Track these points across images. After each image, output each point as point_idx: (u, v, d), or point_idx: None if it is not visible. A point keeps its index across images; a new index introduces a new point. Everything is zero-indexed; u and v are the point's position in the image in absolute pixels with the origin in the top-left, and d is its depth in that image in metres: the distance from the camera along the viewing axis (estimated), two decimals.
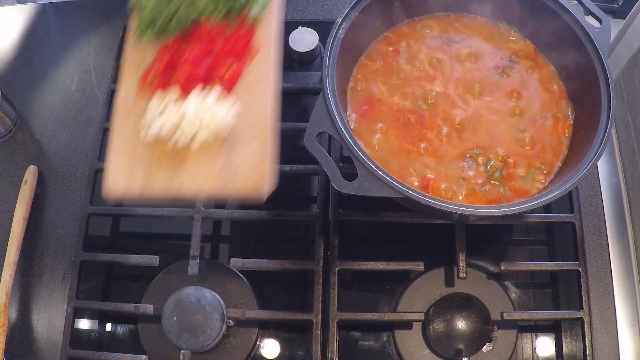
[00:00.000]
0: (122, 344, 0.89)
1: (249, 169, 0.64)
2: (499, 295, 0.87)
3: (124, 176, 0.66)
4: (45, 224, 0.96)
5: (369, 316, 0.85)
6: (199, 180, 0.65)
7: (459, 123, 0.84)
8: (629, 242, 0.94)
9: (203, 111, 0.65)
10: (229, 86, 0.67)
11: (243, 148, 0.65)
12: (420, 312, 0.84)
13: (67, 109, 1.05)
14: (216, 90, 0.66)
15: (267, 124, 0.66)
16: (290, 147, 1.00)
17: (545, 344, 0.87)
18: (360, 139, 0.82)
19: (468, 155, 0.82)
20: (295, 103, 1.04)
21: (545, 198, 0.72)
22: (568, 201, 0.90)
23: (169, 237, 0.97)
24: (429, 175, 0.81)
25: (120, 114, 0.69)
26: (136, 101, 0.68)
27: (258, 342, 0.87)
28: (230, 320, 0.84)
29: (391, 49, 0.89)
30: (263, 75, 0.68)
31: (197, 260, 0.86)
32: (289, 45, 1.02)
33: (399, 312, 0.86)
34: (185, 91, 0.66)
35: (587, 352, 0.82)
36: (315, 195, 0.91)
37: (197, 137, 0.65)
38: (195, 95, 0.65)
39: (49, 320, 0.90)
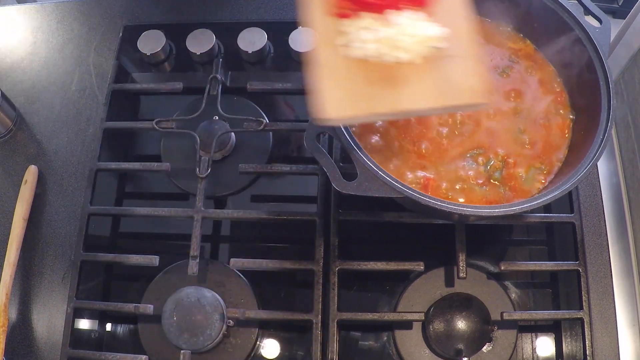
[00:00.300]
0: (122, 344, 0.89)
1: (462, 83, 0.65)
2: (499, 295, 0.87)
3: (336, 98, 0.64)
4: (45, 224, 0.96)
5: (369, 316, 0.85)
6: (415, 98, 0.65)
7: (459, 123, 0.84)
8: (629, 242, 0.94)
9: (408, 30, 0.64)
10: (429, 5, 0.66)
11: (453, 64, 0.65)
12: (420, 312, 0.84)
13: (67, 109, 1.05)
14: (417, 9, 0.65)
15: (472, 40, 0.67)
16: (290, 147, 1.00)
17: (545, 344, 0.87)
18: (360, 139, 0.82)
19: (468, 155, 0.82)
20: (296, 103, 1.04)
21: (545, 198, 0.72)
22: (568, 201, 0.90)
23: (169, 237, 0.97)
24: (428, 175, 0.81)
25: (318, 37, 0.66)
26: (332, 23, 0.66)
27: (258, 342, 0.87)
28: (230, 320, 0.84)
29: None
30: None
31: (197, 260, 0.86)
32: (289, 45, 1.02)
33: (399, 312, 0.86)
34: (386, 10, 0.64)
35: (587, 352, 0.82)
36: (315, 195, 0.91)
37: (403, 56, 0.65)
38: (398, 15, 0.65)
39: (49, 320, 0.90)
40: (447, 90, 0.65)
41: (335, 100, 0.63)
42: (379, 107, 0.64)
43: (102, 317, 0.90)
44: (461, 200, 0.80)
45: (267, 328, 0.88)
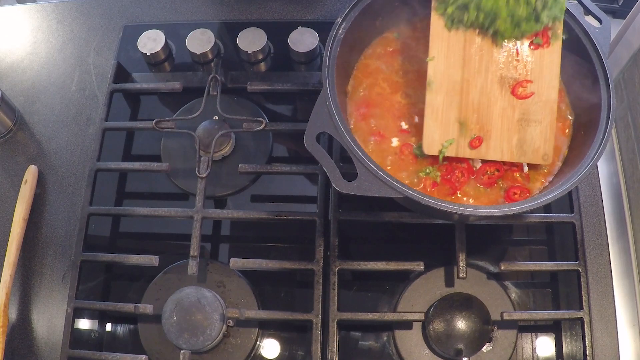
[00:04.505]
0: (122, 344, 0.89)
1: (537, 145, 0.79)
2: (499, 295, 0.87)
3: (439, 140, 0.78)
4: (45, 224, 0.96)
5: (369, 316, 0.85)
6: (500, 150, 0.79)
7: None
8: (629, 242, 0.94)
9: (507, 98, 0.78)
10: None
11: (534, 127, 0.79)
12: (420, 312, 0.84)
13: (67, 109, 1.05)
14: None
15: (553, 108, 0.79)
16: (290, 147, 1.00)
17: (545, 344, 0.87)
18: (360, 139, 0.82)
19: None
20: (295, 103, 1.04)
21: (545, 198, 0.72)
22: (568, 201, 0.90)
23: (169, 237, 0.97)
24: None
25: (433, 85, 0.78)
26: (447, 74, 0.78)
27: (258, 342, 0.87)
28: (230, 320, 0.84)
29: (391, 49, 0.89)
30: (553, 64, 0.79)
31: (197, 260, 0.86)
32: (288, 45, 1.02)
33: (399, 312, 0.86)
34: None
35: (587, 352, 0.82)
36: (315, 195, 0.91)
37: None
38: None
39: (49, 320, 0.90)
40: (525, 150, 0.79)
41: (434, 138, 0.78)
42: (465, 153, 0.79)
43: (102, 317, 0.90)
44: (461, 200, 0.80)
45: (267, 328, 0.88)
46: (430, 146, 0.79)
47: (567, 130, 0.84)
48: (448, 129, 0.78)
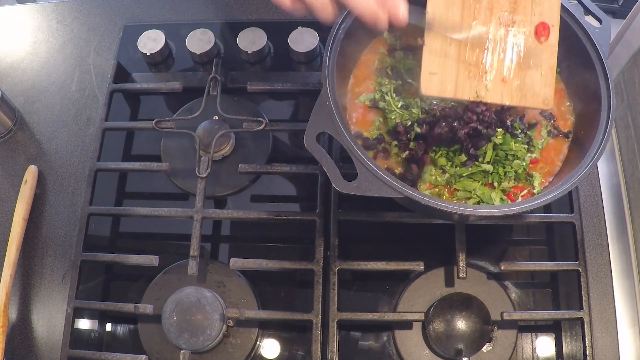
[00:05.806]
0: (122, 344, 0.89)
1: (537, 89, 0.78)
2: (499, 295, 0.87)
3: (437, 80, 0.76)
4: (45, 224, 0.96)
5: (369, 316, 0.85)
6: (500, 93, 0.77)
7: None
8: (629, 242, 0.94)
9: (508, 40, 0.77)
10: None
11: (534, 71, 0.78)
12: (420, 312, 0.84)
13: (67, 109, 1.05)
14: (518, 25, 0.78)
15: (553, 52, 0.79)
16: (290, 147, 1.00)
17: (545, 344, 0.87)
18: (360, 139, 0.82)
19: None
20: (295, 103, 1.04)
21: (545, 198, 0.72)
22: (568, 201, 0.90)
23: (169, 237, 0.97)
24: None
25: (431, 27, 0.75)
26: (446, 14, 0.75)
27: (258, 342, 0.87)
28: (230, 320, 0.84)
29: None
30: (553, 7, 0.78)
31: (197, 260, 0.86)
32: (288, 45, 1.02)
33: (399, 312, 0.86)
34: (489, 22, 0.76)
35: (587, 352, 0.82)
36: (316, 195, 0.91)
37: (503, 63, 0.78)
38: (501, 29, 0.77)
39: (49, 320, 0.90)
40: (525, 93, 0.78)
41: (433, 80, 0.76)
42: (468, 95, 0.77)
43: (102, 317, 0.90)
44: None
45: (267, 328, 0.88)
46: (428, 87, 0.76)
47: (567, 130, 0.84)
48: (446, 70, 0.76)
